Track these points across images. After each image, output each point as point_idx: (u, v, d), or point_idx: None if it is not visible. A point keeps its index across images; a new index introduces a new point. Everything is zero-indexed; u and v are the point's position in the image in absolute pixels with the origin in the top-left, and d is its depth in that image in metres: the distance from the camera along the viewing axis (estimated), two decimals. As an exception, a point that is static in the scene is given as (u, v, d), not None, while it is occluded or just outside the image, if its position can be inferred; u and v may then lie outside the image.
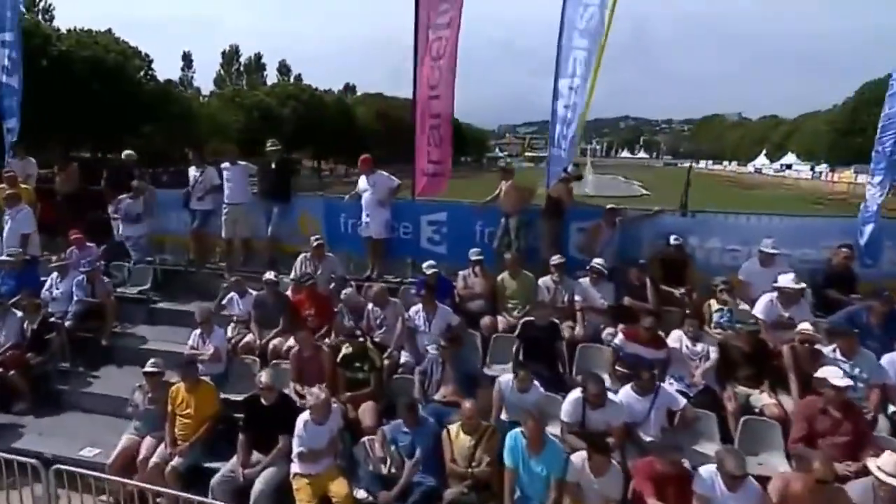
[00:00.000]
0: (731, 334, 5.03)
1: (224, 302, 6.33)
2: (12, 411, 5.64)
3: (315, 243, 6.55)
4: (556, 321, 5.29)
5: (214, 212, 7.65)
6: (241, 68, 59.83)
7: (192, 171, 7.69)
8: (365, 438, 4.44)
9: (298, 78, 60.06)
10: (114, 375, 6.21)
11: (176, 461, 4.50)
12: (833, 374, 4.02)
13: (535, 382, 4.56)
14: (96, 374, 6.22)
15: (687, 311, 5.41)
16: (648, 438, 4.25)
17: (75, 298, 6.49)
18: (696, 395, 4.63)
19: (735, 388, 4.65)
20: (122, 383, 5.83)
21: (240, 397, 4.99)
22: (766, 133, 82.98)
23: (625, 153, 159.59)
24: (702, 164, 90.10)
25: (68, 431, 5.42)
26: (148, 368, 4.87)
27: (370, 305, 5.71)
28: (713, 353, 4.84)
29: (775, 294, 5.14)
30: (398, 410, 4.36)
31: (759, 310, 5.13)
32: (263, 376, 4.50)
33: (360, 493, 4.16)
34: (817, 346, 4.54)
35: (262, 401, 4.47)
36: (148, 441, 4.76)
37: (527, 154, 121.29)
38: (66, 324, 6.29)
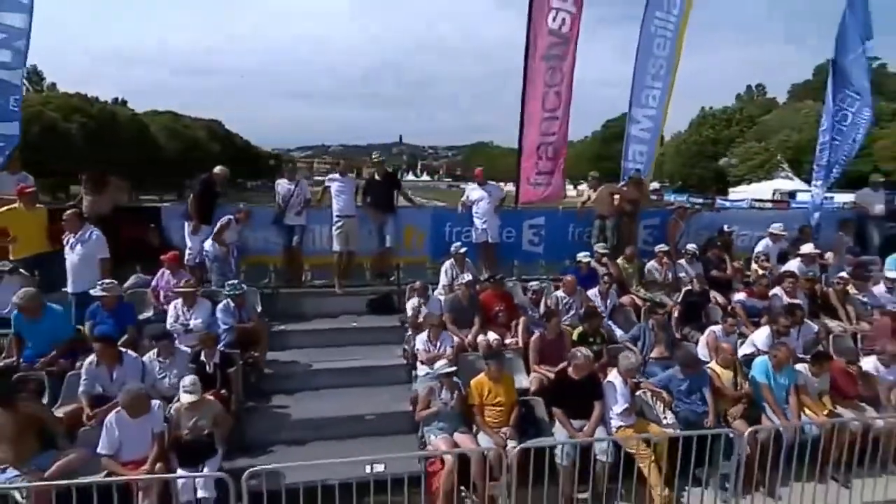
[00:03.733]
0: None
1: (408, 309, 6.37)
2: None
3: (457, 252, 7.03)
4: (707, 289, 7.02)
5: (307, 227, 7.36)
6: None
7: (285, 184, 7.24)
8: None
9: (53, 87, 49.82)
10: (299, 400, 5.72)
11: (510, 444, 4.79)
12: None
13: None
14: (280, 403, 5.65)
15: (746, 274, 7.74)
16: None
17: (223, 327, 5.72)
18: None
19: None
20: (311, 407, 5.57)
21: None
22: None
23: (410, 176, 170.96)
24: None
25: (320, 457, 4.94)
26: (446, 370, 4.98)
27: (559, 293, 6.59)
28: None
29: (799, 259, 7.77)
30: (678, 362, 5.46)
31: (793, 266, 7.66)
32: (579, 353, 5.12)
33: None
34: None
35: (573, 376, 5.12)
36: (459, 437, 4.88)
37: (317, 178, 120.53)
38: (223, 355, 5.53)
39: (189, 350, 5.22)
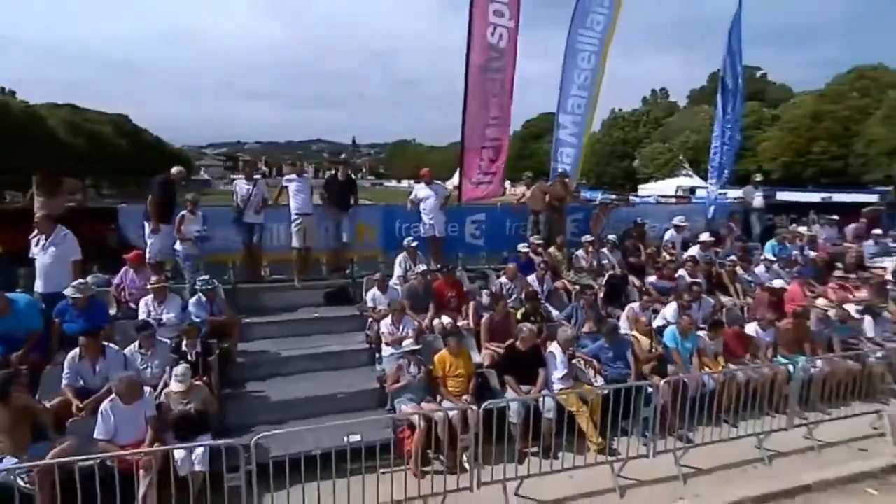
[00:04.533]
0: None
1: (367, 300, 6.92)
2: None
3: (408, 246, 7.69)
4: (626, 273, 8.14)
5: (265, 225, 7.72)
6: None
7: (243, 184, 7.55)
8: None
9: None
10: (272, 385, 6.14)
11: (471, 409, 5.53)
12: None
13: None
14: (254, 389, 6.04)
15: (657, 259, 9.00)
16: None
17: (196, 319, 6.02)
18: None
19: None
20: (284, 390, 6.04)
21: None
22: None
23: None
24: (404, 183, 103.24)
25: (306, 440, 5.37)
26: (413, 347, 5.65)
27: (503, 280, 7.43)
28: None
29: (698, 246, 9.16)
30: (604, 335, 6.45)
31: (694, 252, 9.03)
32: (525, 328, 5.95)
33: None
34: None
35: (520, 348, 5.95)
36: (426, 405, 5.55)
37: (233, 177, 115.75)
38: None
39: (168, 341, 5.52)
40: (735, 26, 11.05)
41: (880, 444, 6.02)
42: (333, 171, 8.28)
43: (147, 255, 6.81)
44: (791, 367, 6.30)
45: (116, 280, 6.44)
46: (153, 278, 6.08)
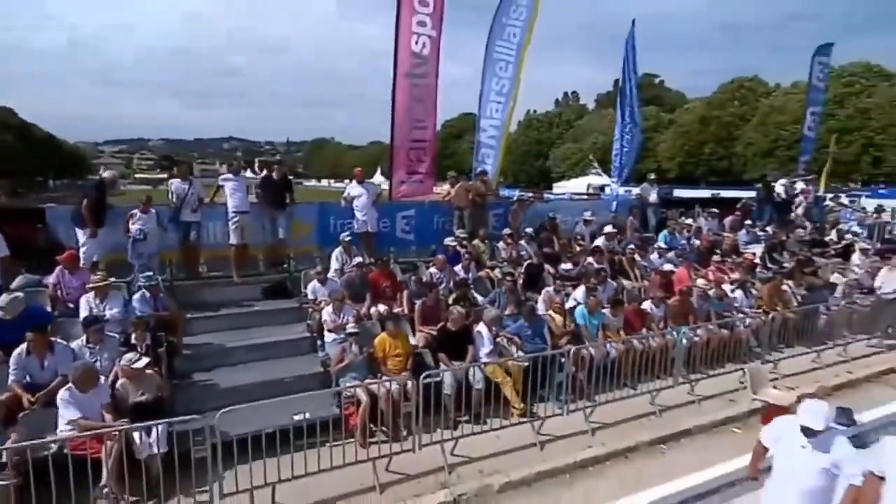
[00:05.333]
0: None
1: (308, 292, 7.35)
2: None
3: (344, 241, 8.20)
4: (542, 262, 9.09)
5: (202, 223, 7.91)
6: None
7: (179, 184, 7.69)
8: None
9: None
10: (219, 374, 6.44)
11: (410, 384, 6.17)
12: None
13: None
14: (202, 379, 6.31)
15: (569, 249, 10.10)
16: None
17: (139, 314, 6.19)
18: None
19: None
20: (231, 378, 6.40)
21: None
22: (379, 156, 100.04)
23: (248, 173, 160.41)
24: (324, 182, 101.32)
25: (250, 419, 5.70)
26: (354, 330, 6.19)
27: (433, 270, 8.12)
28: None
29: (604, 237, 10.37)
30: (524, 316, 7.32)
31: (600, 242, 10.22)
32: (455, 311, 6.67)
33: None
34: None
35: (451, 328, 6.67)
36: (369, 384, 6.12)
37: (138, 176, 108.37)
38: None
39: (116, 336, 5.69)
40: (630, 40, 12.49)
41: (744, 394, 7.34)
42: (268, 171, 8.55)
43: (81, 259, 6.80)
44: (677, 337, 7.50)
45: (52, 279, 6.43)
46: (94, 276, 6.17)
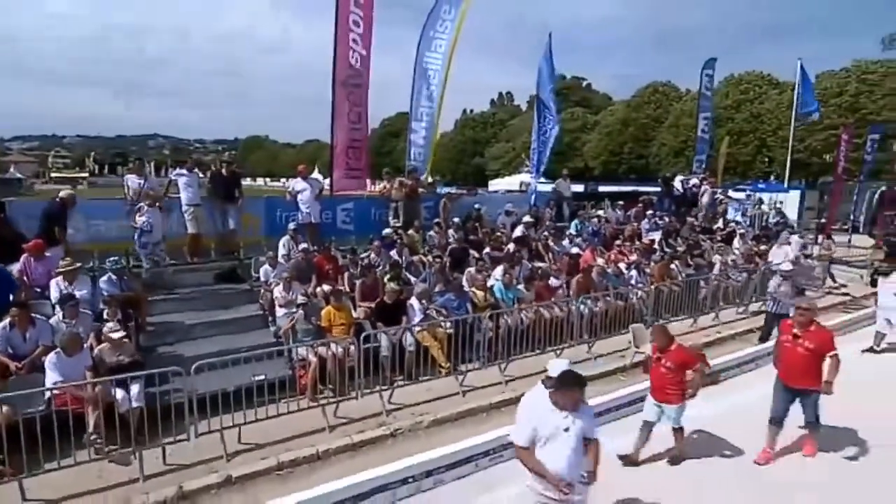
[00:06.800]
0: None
1: (260, 275, 8.27)
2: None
3: (290, 230, 9.17)
4: (467, 247, 10.40)
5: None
6: None
7: (135, 179, 8.38)
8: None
9: None
10: (182, 347, 7.26)
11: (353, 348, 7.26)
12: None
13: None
14: (166, 352, 7.12)
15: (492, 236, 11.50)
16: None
17: (107, 295, 6.92)
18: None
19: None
20: (194, 349, 7.20)
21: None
22: (316, 154, 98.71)
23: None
24: (259, 181, 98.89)
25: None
26: (302, 301, 7.22)
27: (371, 255, 9.22)
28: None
29: (523, 226, 11.85)
30: (452, 290, 8.58)
31: (519, 231, 11.70)
32: (390, 286, 7.82)
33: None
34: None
35: (387, 301, 7.83)
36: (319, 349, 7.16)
37: (54, 175, 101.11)
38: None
39: (90, 313, 6.43)
40: (548, 52, 14.06)
41: (631, 350, 8.97)
42: (217, 168, 9.35)
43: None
44: (577, 305, 9.02)
45: (19, 266, 7.00)
46: (62, 262, 6.85)
